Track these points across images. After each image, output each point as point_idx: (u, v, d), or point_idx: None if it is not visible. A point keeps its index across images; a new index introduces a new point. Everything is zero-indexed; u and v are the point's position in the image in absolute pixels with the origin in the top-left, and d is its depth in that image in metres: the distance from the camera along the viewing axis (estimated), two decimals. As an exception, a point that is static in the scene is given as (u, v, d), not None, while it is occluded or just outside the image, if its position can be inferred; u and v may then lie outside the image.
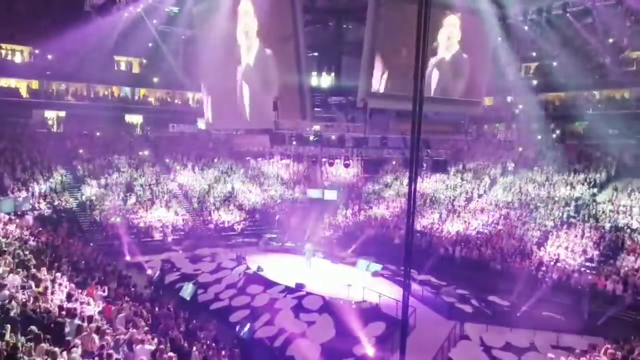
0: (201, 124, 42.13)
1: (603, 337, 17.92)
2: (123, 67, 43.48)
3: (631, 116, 31.78)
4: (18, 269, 14.41)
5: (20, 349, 9.08)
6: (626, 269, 23.73)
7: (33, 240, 20.71)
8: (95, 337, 10.90)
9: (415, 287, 22.32)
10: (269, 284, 23.33)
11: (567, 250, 26.23)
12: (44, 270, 15.47)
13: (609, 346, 15.05)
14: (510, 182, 34.27)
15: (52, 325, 10.90)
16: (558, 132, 37.15)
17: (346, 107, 21.93)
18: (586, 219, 28.27)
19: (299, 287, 22.71)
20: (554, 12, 23.76)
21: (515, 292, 24.02)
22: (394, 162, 39.19)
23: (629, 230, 26.09)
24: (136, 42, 34.92)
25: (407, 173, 19.14)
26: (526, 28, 27.57)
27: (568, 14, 23.85)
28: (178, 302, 21.41)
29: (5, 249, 16.45)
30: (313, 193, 36.20)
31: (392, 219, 34.31)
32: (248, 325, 19.33)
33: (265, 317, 19.99)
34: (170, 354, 11.64)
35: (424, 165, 32.98)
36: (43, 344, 9.40)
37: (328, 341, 18.17)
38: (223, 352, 15.68)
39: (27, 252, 17.22)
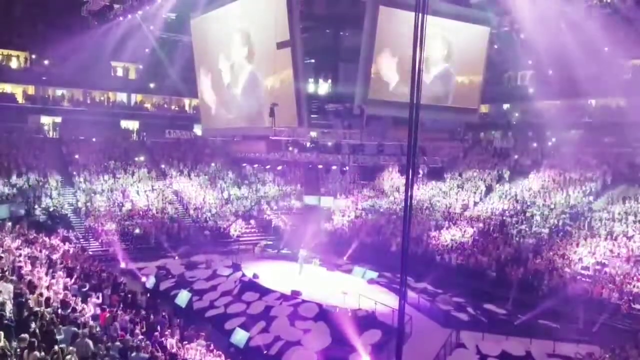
0: (198, 130, 42.13)
1: (599, 345, 17.92)
2: (120, 73, 43.46)
3: (627, 124, 31.93)
4: (12, 276, 14.31)
5: (12, 356, 9.00)
6: (622, 277, 23.73)
7: (28, 247, 20.60)
8: (90, 343, 10.82)
9: (411, 294, 22.23)
10: (264, 291, 23.23)
11: (563, 259, 26.23)
12: (38, 276, 15.39)
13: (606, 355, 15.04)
14: (506, 190, 34.32)
15: (46, 332, 10.81)
16: (554, 139, 37.32)
17: (343, 114, 22.01)
18: (582, 227, 28.32)
19: (295, 294, 22.62)
20: (549, 20, 23.88)
21: (511, 300, 24.04)
22: (390, 169, 39.20)
23: (625, 238, 26.12)
24: (133, 48, 35.03)
25: (404, 180, 19.21)
26: (522, 36, 27.78)
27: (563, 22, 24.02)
28: (173, 309, 21.31)
29: (2, 255, 16.35)
30: (309, 200, 36.17)
31: (389, 226, 34.28)
32: (242, 334, 19.24)
33: (260, 325, 19.90)
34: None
35: (420, 172, 33.13)
36: (36, 352, 9.31)
37: (324, 349, 18.10)
38: (218, 360, 15.61)
39: (21, 259, 17.13)
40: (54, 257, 20.55)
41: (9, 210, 28.98)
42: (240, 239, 35.05)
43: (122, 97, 44.03)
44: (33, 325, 10.93)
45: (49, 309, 12.25)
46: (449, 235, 31.54)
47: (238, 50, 23.94)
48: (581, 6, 22.02)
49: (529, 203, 31.92)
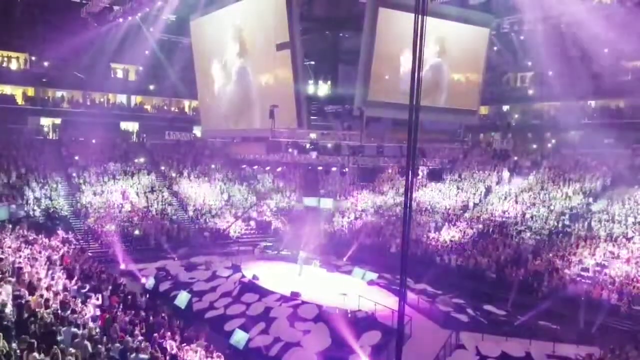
0: (197, 132, 42.15)
1: (599, 346, 17.94)
2: (119, 74, 43.46)
3: (626, 126, 31.95)
4: (12, 277, 14.32)
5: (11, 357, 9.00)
6: (621, 278, 23.75)
7: (27, 248, 20.60)
8: (88, 344, 10.81)
9: (411, 296, 22.24)
10: (264, 292, 23.22)
11: (563, 260, 26.25)
12: (38, 277, 15.39)
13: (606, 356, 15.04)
14: (505, 191, 34.32)
15: (46, 333, 10.81)
16: (553, 141, 37.35)
17: (343, 116, 21.94)
18: (581, 228, 28.34)
19: (295, 295, 22.62)
20: (549, 22, 23.90)
21: (511, 301, 24.05)
22: (390, 171, 39.22)
23: (624, 240, 26.14)
24: (133, 50, 35.06)
25: (403, 181, 19.17)
26: (522, 37, 27.81)
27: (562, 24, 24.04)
28: (173, 310, 21.30)
29: (1, 256, 16.36)
30: (309, 201, 36.16)
31: (388, 227, 34.31)
32: (242, 335, 19.22)
33: (260, 326, 19.90)
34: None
35: (420, 173, 33.15)
36: (35, 353, 9.31)
37: (324, 350, 18.11)
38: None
39: (21, 260, 17.13)
40: (54, 258, 20.56)
41: (8, 212, 28.95)
42: (240, 240, 35.07)
43: (121, 98, 43.99)
44: (32, 326, 10.94)
45: (48, 310, 12.25)
46: (448, 237, 31.58)
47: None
48: (581, 7, 22.04)
49: (528, 204, 31.95)
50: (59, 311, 12.63)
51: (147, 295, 22.13)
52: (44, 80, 39.53)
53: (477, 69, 24.88)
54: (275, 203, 40.21)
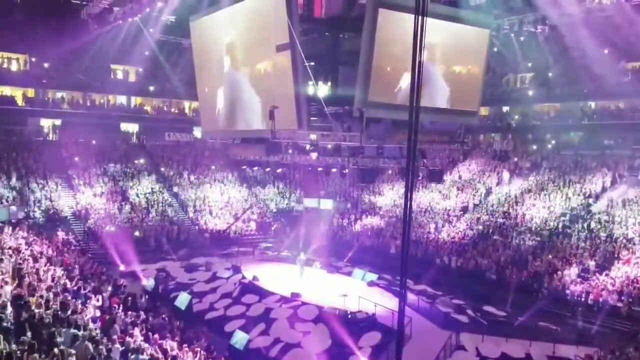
0: (197, 133, 42.17)
1: (599, 347, 17.93)
2: (119, 75, 43.48)
3: (626, 127, 31.95)
4: (12, 278, 14.31)
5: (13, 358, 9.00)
6: (622, 279, 23.74)
7: (27, 249, 20.59)
8: (90, 345, 10.81)
9: (411, 297, 22.24)
10: (264, 293, 23.22)
11: (563, 261, 26.24)
12: (38, 278, 15.38)
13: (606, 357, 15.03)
14: (505, 193, 34.32)
15: (46, 334, 10.80)
16: (553, 142, 37.36)
17: (342, 117, 21.91)
18: (581, 229, 28.33)
19: (295, 296, 22.61)
20: (549, 23, 23.89)
21: (510, 302, 24.05)
22: (389, 172, 39.22)
23: (624, 241, 26.13)
24: (133, 51, 35.08)
25: (403, 182, 19.13)
26: (522, 38, 27.84)
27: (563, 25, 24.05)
28: (173, 311, 21.30)
29: (1, 257, 16.36)
30: (309, 202, 36.17)
31: (388, 228, 34.30)
32: (242, 335, 19.22)
33: (260, 327, 19.90)
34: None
35: (420, 174, 33.12)
36: (36, 355, 9.31)
37: (324, 351, 18.10)
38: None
39: (21, 261, 17.13)
40: (54, 259, 20.55)
41: (8, 213, 28.95)
42: (240, 241, 35.06)
43: (122, 99, 44.01)
44: (33, 327, 10.93)
45: (48, 312, 12.24)
46: (448, 238, 31.56)
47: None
48: (580, 9, 22.04)
49: (528, 205, 31.94)
50: (59, 312, 12.63)
51: (147, 296, 22.12)
52: (44, 81, 39.55)
53: (478, 70, 24.86)
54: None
